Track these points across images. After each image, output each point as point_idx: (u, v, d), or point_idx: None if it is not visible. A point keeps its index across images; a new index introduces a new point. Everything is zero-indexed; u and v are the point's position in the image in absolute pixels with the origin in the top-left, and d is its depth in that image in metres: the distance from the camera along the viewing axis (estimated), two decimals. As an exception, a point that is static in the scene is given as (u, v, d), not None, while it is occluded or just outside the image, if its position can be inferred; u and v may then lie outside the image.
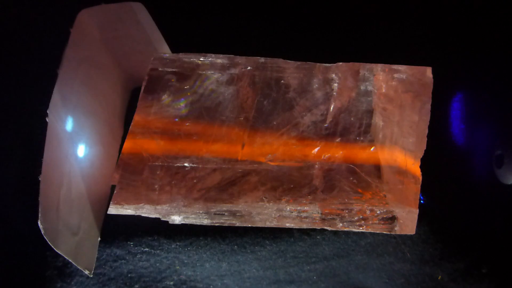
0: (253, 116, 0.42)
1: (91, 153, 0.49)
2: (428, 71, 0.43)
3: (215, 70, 0.43)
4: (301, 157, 0.41)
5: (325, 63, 0.44)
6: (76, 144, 0.47)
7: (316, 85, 0.43)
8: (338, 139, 0.41)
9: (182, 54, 0.44)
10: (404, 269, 0.50)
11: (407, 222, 0.41)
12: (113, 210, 0.40)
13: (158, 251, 0.51)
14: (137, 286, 0.50)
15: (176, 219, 0.41)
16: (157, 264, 0.50)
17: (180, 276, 0.50)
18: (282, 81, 0.43)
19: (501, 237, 0.50)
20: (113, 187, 0.50)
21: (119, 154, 0.42)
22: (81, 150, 0.48)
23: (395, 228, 0.41)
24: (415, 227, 0.41)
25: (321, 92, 0.43)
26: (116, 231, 0.51)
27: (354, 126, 0.42)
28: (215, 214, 0.41)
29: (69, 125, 0.45)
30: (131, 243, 0.51)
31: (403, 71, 0.43)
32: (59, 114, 0.43)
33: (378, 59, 0.44)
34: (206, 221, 0.41)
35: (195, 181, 0.40)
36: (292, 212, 0.41)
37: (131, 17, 0.48)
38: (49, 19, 0.53)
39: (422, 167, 0.42)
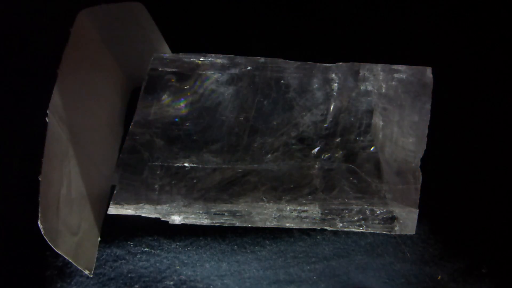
0: (253, 116, 0.42)
1: (91, 153, 0.49)
2: (428, 71, 0.43)
3: (215, 70, 0.43)
4: (301, 157, 0.41)
5: (325, 63, 0.44)
6: (76, 144, 0.47)
7: (316, 85, 0.43)
8: (338, 139, 0.41)
9: (182, 54, 0.44)
10: (404, 269, 0.50)
11: (407, 222, 0.41)
12: (113, 210, 0.40)
13: (158, 251, 0.51)
14: (137, 286, 0.50)
15: (176, 219, 0.41)
16: (157, 264, 0.50)
17: (180, 276, 0.50)
18: (282, 81, 0.43)
19: (501, 237, 0.50)
20: (113, 187, 0.50)
21: (119, 154, 0.42)
22: (81, 150, 0.48)
23: (395, 228, 0.41)
24: (415, 227, 0.41)
25: (321, 92, 0.43)
26: (116, 231, 0.51)
27: (354, 126, 0.42)
28: (215, 214, 0.41)
29: (69, 125, 0.45)
30: (131, 243, 0.51)
31: (403, 71, 0.43)
32: (59, 114, 0.43)
33: (378, 59, 0.44)
34: (206, 221, 0.41)
35: (195, 181, 0.40)
36: (292, 212, 0.41)
37: (131, 17, 0.48)
38: (49, 19, 0.53)
39: (422, 167, 0.42)
